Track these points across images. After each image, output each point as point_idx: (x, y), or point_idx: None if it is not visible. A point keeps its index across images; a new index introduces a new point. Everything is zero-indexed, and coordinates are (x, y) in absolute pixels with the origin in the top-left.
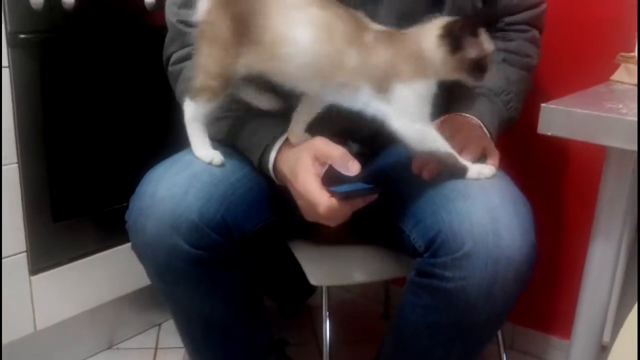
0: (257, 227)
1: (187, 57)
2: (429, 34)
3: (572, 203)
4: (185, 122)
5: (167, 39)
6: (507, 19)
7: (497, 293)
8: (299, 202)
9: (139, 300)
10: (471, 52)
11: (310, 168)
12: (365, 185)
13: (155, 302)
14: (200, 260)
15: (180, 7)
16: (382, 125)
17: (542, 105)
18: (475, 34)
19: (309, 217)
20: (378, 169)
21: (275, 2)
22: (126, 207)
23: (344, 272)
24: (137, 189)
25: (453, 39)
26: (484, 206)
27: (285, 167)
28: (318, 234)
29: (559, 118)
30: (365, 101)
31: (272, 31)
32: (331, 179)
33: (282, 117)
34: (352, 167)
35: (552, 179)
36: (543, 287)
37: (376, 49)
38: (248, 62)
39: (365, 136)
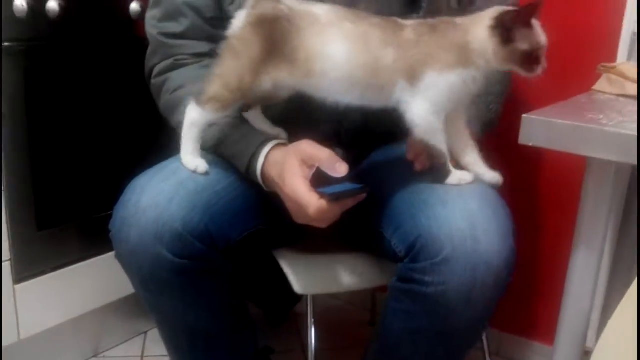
0: (241, 236)
1: (170, 69)
2: (480, 25)
3: (555, 210)
4: (184, 124)
5: (148, 52)
6: None
7: (476, 298)
8: (289, 205)
9: (125, 308)
10: (523, 44)
11: (298, 171)
12: (354, 185)
13: (140, 310)
14: (184, 269)
15: (160, 21)
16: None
17: (523, 116)
18: (528, 26)
19: (299, 220)
20: (361, 173)
21: (310, 23)
22: (111, 216)
23: (328, 280)
24: (121, 198)
25: (504, 30)
26: (462, 211)
27: (273, 172)
28: (304, 242)
29: (539, 129)
30: (399, 96)
31: (306, 49)
32: (319, 181)
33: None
34: (339, 169)
35: (535, 186)
36: (526, 293)
37: (413, 42)
38: (277, 78)
39: (349, 141)
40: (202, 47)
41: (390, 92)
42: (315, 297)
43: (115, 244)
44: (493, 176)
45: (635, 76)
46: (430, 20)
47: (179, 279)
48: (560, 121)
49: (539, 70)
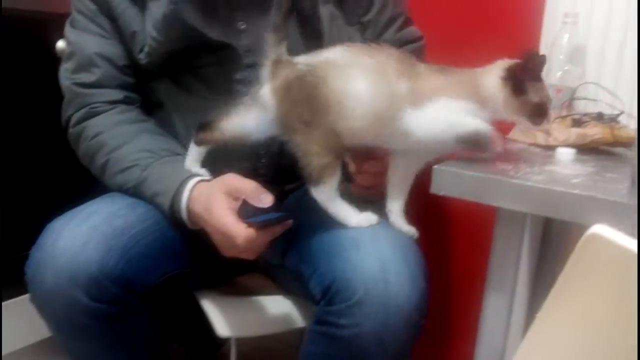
0: (160, 279)
1: (86, 118)
2: (492, 75)
3: (470, 254)
4: (325, 205)
5: (64, 103)
6: None
7: (389, 340)
8: (216, 238)
9: (41, 353)
10: (535, 97)
11: (225, 203)
12: (280, 214)
13: (56, 354)
14: (101, 313)
15: (73, 72)
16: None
17: (434, 167)
18: (538, 79)
19: (228, 252)
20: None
21: (331, 69)
22: (27, 257)
23: (252, 323)
24: (38, 240)
25: (516, 82)
26: (375, 255)
27: (198, 206)
28: (228, 284)
29: (449, 179)
30: (404, 121)
31: (335, 93)
32: (247, 213)
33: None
34: (265, 199)
35: (451, 229)
36: (442, 335)
37: (427, 75)
38: (327, 132)
39: (268, 179)
40: (116, 94)
41: (399, 118)
42: (244, 337)
43: (30, 287)
44: (409, 229)
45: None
46: (440, 66)
47: (95, 323)
48: (469, 172)
49: (545, 123)
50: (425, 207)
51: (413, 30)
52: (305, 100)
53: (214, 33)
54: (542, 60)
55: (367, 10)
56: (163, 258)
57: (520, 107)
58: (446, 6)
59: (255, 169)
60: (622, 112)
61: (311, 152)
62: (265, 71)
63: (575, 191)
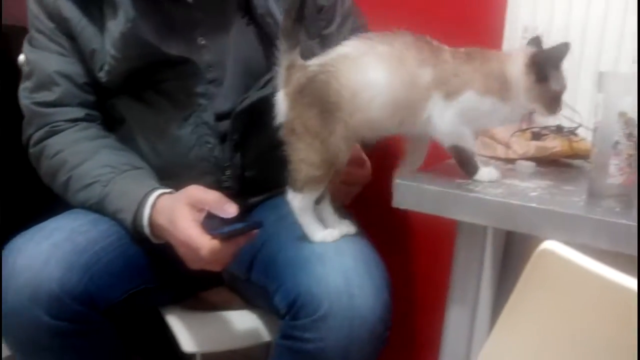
0: (124, 296)
1: (46, 137)
2: (517, 62)
3: (433, 266)
4: (296, 213)
5: (24, 122)
6: None
7: (354, 353)
8: (181, 251)
9: None
10: (555, 85)
11: (189, 215)
12: (245, 223)
13: None
14: (63, 332)
15: (32, 91)
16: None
17: (396, 181)
18: (558, 68)
19: (194, 265)
20: None
21: (342, 62)
22: None
23: (217, 338)
24: None
25: (539, 68)
26: (339, 269)
27: (162, 219)
28: (193, 299)
29: (410, 193)
30: (430, 110)
31: (348, 87)
32: (211, 224)
33: (148, 173)
34: (229, 209)
35: (414, 241)
36: (406, 346)
37: (453, 64)
38: (340, 132)
39: (233, 192)
40: (76, 112)
41: (424, 107)
42: (209, 352)
43: None
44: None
45: (504, 139)
46: (465, 49)
47: (57, 342)
48: (429, 187)
49: (558, 112)
50: (389, 220)
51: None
52: (315, 103)
53: (173, 49)
54: (566, 49)
55: (328, 24)
56: (126, 274)
57: (540, 95)
58: (404, 19)
59: (219, 182)
60: (580, 125)
61: (307, 161)
62: (280, 78)
63: (533, 204)
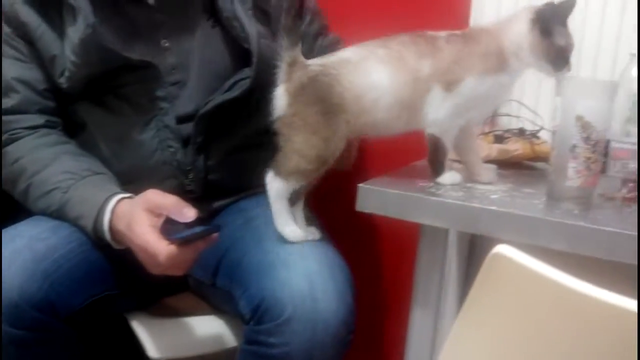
0: (86, 303)
1: (6, 144)
2: (518, 23)
3: (397, 269)
4: (271, 199)
5: None
6: None
7: (317, 357)
8: (140, 257)
9: None
10: (560, 40)
11: (146, 220)
12: (205, 227)
13: None
14: (22, 340)
15: None
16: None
17: (359, 185)
18: (564, 24)
19: (154, 270)
20: None
21: (344, 66)
22: None
23: (182, 344)
24: None
25: (544, 23)
26: (302, 273)
27: (121, 225)
28: (158, 304)
29: (374, 197)
30: (430, 102)
31: (351, 90)
32: (171, 229)
33: (109, 178)
34: (187, 214)
35: (379, 245)
36: (370, 350)
37: (448, 50)
38: (343, 134)
39: (196, 196)
40: (36, 119)
41: (424, 100)
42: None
43: None
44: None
45: None
46: (460, 31)
47: (17, 351)
48: (392, 190)
49: (566, 70)
50: (354, 223)
51: (332, 35)
52: (317, 102)
53: (134, 53)
54: (572, 4)
55: None
56: (88, 281)
57: (546, 50)
58: (368, 19)
59: (182, 186)
60: (542, 128)
61: (301, 153)
62: (281, 73)
63: (493, 207)
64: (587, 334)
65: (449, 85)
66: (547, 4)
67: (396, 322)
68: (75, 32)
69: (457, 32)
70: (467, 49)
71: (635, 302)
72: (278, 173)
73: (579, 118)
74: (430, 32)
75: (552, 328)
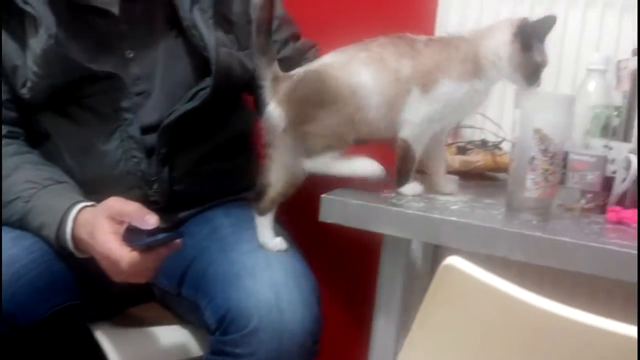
0: (47, 313)
1: None
2: (499, 33)
3: (361, 280)
4: (324, 170)
5: None
6: None
7: None
8: (103, 264)
9: None
10: (537, 56)
11: (108, 228)
12: (168, 234)
13: None
14: None
15: None
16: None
17: (322, 196)
18: (542, 41)
19: (117, 278)
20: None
21: (329, 69)
22: None
23: (147, 354)
24: None
25: (526, 38)
26: (268, 283)
27: (83, 233)
28: (123, 314)
29: (336, 208)
30: (408, 103)
31: (345, 87)
32: (134, 236)
33: (71, 187)
34: (149, 220)
35: (344, 255)
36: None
37: (426, 53)
38: (351, 131)
39: (161, 206)
40: None
41: (405, 101)
42: None
43: None
44: (277, 242)
45: None
46: (439, 36)
47: None
48: (354, 201)
49: (536, 86)
50: (319, 233)
51: (306, 40)
52: (314, 92)
53: (97, 64)
54: (553, 22)
55: None
56: (50, 291)
57: (524, 64)
58: (334, 24)
59: (146, 196)
60: (504, 140)
61: (321, 134)
62: (267, 90)
63: (452, 218)
64: (535, 344)
65: (426, 87)
66: (525, 20)
67: (361, 332)
68: (37, 42)
69: (436, 37)
70: (445, 53)
71: (582, 312)
72: (310, 155)
73: (537, 131)
74: (410, 35)
75: (501, 338)
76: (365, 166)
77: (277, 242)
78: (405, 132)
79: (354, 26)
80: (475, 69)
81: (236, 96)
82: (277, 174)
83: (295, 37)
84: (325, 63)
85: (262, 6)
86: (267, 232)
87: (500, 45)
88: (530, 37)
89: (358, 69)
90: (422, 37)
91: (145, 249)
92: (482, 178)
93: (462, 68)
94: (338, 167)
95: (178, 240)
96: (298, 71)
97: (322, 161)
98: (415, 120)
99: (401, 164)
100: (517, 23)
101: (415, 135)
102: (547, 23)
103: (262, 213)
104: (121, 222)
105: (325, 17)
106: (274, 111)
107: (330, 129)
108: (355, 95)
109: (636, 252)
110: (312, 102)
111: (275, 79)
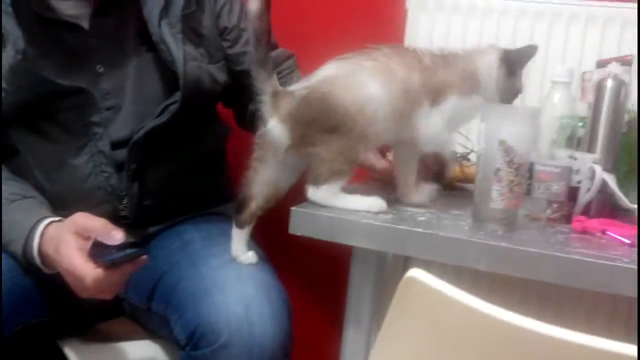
0: (14, 330)
1: None
2: (487, 57)
3: (332, 292)
4: (326, 202)
5: None
6: None
7: None
8: (68, 280)
9: None
10: (517, 82)
11: (73, 243)
12: (134, 250)
13: None
14: None
15: None
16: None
17: (292, 208)
18: (522, 68)
19: (82, 294)
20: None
21: (331, 83)
22: None
23: None
24: None
25: (511, 65)
26: (239, 297)
27: (49, 249)
28: (93, 330)
29: (306, 220)
30: (419, 115)
31: (352, 103)
32: (99, 252)
33: (39, 202)
34: (115, 236)
35: (313, 269)
36: None
37: (434, 69)
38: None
39: (130, 221)
40: None
41: (417, 113)
42: None
43: None
44: (248, 256)
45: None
46: (440, 51)
47: None
48: (323, 213)
49: None
50: (290, 245)
51: (283, 50)
52: (320, 115)
53: (67, 79)
54: (535, 51)
55: (233, 44)
56: (17, 308)
57: (506, 90)
58: (309, 38)
59: (116, 211)
60: (472, 151)
61: (328, 159)
62: (267, 106)
63: (419, 229)
64: (498, 356)
65: (435, 101)
66: (512, 48)
67: (332, 344)
68: (5, 58)
69: (438, 52)
70: (450, 69)
71: (544, 324)
72: (317, 184)
73: (502, 142)
74: (412, 47)
75: (464, 351)
76: (372, 204)
77: (248, 256)
78: (430, 147)
79: (325, 38)
80: (474, 85)
81: (209, 110)
82: (261, 187)
83: (273, 46)
84: (328, 76)
85: (258, 17)
86: (241, 246)
87: (491, 67)
88: (514, 65)
89: (365, 80)
90: (427, 51)
91: (110, 265)
92: (451, 189)
93: (465, 85)
94: (344, 202)
95: (143, 257)
96: (298, 87)
97: (329, 193)
98: (433, 133)
99: (436, 170)
100: (501, 50)
101: (440, 145)
102: (529, 52)
103: (241, 226)
104: (87, 238)
105: (297, 28)
106: (276, 128)
107: (338, 151)
108: (363, 112)
109: (599, 261)
110: (318, 125)
111: (275, 95)
